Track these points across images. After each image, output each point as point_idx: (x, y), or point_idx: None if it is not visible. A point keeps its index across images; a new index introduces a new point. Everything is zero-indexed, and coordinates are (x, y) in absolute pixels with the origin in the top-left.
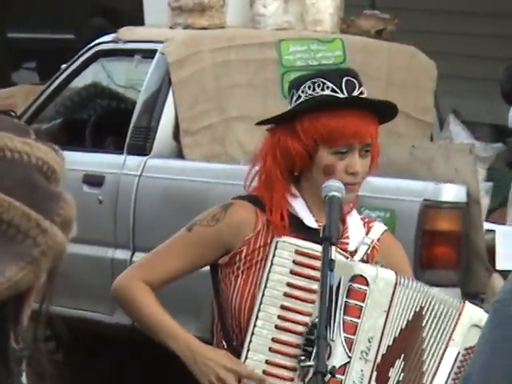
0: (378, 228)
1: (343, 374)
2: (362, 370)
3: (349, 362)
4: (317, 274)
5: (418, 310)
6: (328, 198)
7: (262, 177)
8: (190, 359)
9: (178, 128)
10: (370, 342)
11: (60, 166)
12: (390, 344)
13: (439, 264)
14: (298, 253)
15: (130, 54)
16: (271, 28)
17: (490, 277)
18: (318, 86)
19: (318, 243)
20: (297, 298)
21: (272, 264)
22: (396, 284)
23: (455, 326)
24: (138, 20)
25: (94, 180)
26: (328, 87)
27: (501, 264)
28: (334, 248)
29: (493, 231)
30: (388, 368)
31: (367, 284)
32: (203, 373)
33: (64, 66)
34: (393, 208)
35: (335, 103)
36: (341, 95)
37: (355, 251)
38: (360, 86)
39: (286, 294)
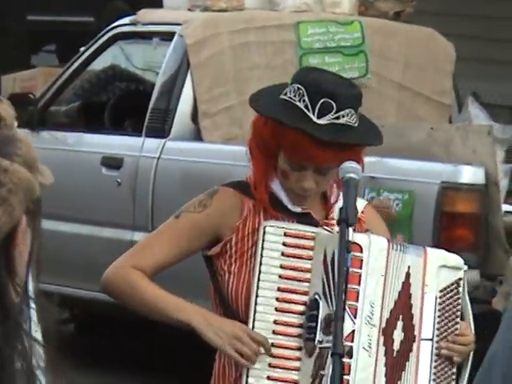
0: (360, 202)
1: (352, 341)
2: (369, 335)
3: (356, 329)
4: (308, 252)
5: (406, 270)
6: (344, 180)
7: (250, 153)
8: (205, 325)
9: (196, 110)
10: (372, 306)
11: (7, 112)
12: (392, 307)
13: (458, 246)
14: (286, 235)
15: (148, 36)
16: (289, 10)
17: (509, 258)
18: (299, 94)
19: (307, 224)
20: (292, 278)
21: (263, 248)
22: (389, 249)
23: (424, 272)
24: (157, 2)
25: (112, 162)
26: (304, 101)
27: None
28: (351, 229)
29: (511, 213)
30: (392, 330)
31: (361, 251)
32: (220, 336)
33: (83, 48)
34: (411, 190)
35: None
36: (311, 115)
37: None
38: (339, 109)
39: (280, 276)
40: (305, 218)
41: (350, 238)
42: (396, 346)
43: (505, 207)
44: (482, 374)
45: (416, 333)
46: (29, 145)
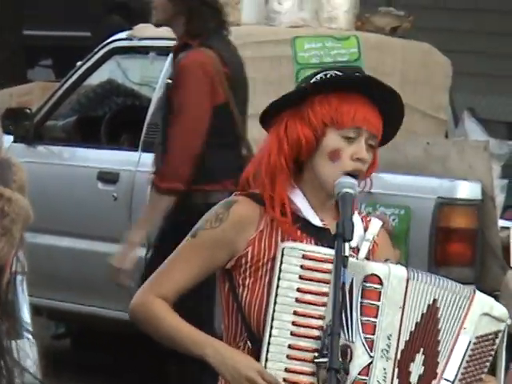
0: (376, 223)
1: (367, 375)
2: (384, 369)
3: (371, 362)
4: (326, 276)
5: (431, 302)
6: (341, 195)
7: (264, 168)
8: (220, 363)
9: None
10: (389, 339)
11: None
12: (407, 339)
13: (454, 261)
14: (305, 257)
15: (144, 51)
16: (286, 25)
17: (505, 274)
18: (331, 76)
19: (324, 241)
20: (309, 302)
21: (280, 271)
22: (408, 279)
23: (466, 314)
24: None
25: (108, 177)
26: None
27: None
28: (347, 245)
29: (508, 228)
30: (408, 363)
31: (381, 283)
32: (232, 375)
33: (79, 63)
34: (408, 205)
35: (348, 83)
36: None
37: (357, 248)
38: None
39: (297, 300)
40: (324, 235)
41: (363, 266)
42: (413, 379)
43: (501, 223)
44: None
45: (438, 371)
46: (21, 169)
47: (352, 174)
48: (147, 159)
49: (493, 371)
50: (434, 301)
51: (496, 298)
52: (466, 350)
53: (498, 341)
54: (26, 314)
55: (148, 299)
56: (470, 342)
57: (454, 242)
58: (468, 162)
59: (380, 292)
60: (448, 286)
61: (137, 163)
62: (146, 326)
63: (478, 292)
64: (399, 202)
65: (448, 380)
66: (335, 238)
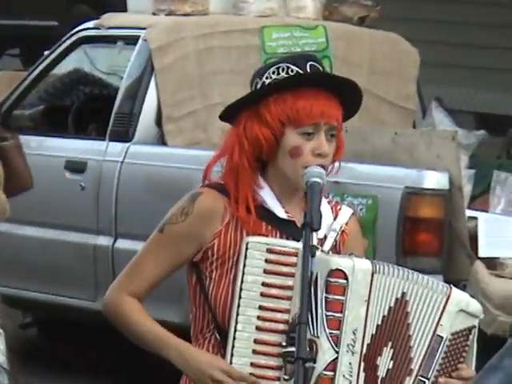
0: (346, 212)
1: (333, 371)
2: (350, 363)
3: (337, 358)
4: (291, 269)
5: (399, 296)
6: (309, 185)
7: (227, 167)
8: (184, 365)
9: (160, 114)
10: (354, 334)
11: None
12: (374, 333)
13: (421, 251)
14: (269, 251)
15: (112, 40)
16: (254, 15)
17: (473, 264)
18: (283, 70)
19: (290, 234)
20: (274, 296)
21: (245, 266)
22: (373, 273)
23: (443, 311)
24: (121, 6)
25: (76, 166)
26: (292, 71)
27: (483, 251)
28: (315, 234)
29: (475, 218)
30: (375, 356)
31: (345, 277)
32: (197, 376)
33: (47, 52)
34: (375, 195)
35: (300, 81)
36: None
37: (324, 238)
38: (324, 71)
39: (262, 294)
40: (289, 227)
41: (328, 260)
42: (381, 372)
43: (468, 213)
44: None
45: (413, 367)
46: None
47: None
48: (115, 148)
49: None
50: (403, 294)
51: (463, 288)
52: (442, 346)
53: (471, 336)
54: None
55: (118, 298)
56: (446, 338)
57: (421, 232)
58: (436, 152)
59: (345, 287)
60: (419, 280)
61: (104, 152)
62: (116, 325)
63: (454, 288)
64: (367, 192)
65: (424, 377)
66: (303, 227)
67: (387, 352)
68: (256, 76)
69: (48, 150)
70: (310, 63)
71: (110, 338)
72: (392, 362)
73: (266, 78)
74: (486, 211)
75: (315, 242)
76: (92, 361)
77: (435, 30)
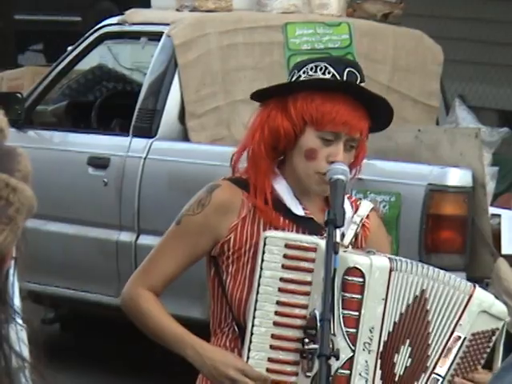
0: (366, 205)
1: (349, 369)
2: (366, 361)
3: (353, 356)
4: (309, 265)
5: (418, 293)
6: (332, 181)
7: (249, 153)
8: (200, 363)
9: (183, 110)
10: (371, 332)
11: (4, 122)
12: (391, 330)
13: (444, 248)
14: (287, 246)
15: (136, 36)
16: (278, 11)
17: (495, 261)
18: (321, 69)
19: (307, 230)
20: (292, 291)
21: (263, 261)
22: (391, 270)
23: (463, 310)
24: (145, 2)
25: (99, 162)
26: (330, 72)
27: (506, 248)
28: (338, 231)
29: (498, 216)
30: (392, 354)
31: (362, 276)
32: (213, 375)
33: (70, 48)
34: (398, 192)
35: (332, 86)
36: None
37: (343, 234)
38: (362, 80)
39: (280, 290)
40: (307, 223)
41: (345, 258)
42: (398, 370)
43: (491, 210)
44: None
45: (429, 365)
46: (26, 158)
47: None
48: (138, 144)
49: (489, 368)
50: (423, 291)
51: (486, 285)
52: (461, 346)
53: (494, 338)
54: (16, 299)
55: (136, 292)
56: (465, 338)
57: (444, 229)
58: (459, 150)
59: (362, 286)
60: (440, 277)
61: (127, 148)
62: (134, 320)
63: (478, 288)
64: (390, 189)
65: (439, 375)
66: (326, 224)
67: (405, 349)
68: (295, 68)
69: (71, 145)
70: (348, 69)
71: (132, 334)
72: (410, 360)
73: (304, 72)
74: (509, 209)
75: (338, 239)
76: (114, 355)
77: (459, 27)
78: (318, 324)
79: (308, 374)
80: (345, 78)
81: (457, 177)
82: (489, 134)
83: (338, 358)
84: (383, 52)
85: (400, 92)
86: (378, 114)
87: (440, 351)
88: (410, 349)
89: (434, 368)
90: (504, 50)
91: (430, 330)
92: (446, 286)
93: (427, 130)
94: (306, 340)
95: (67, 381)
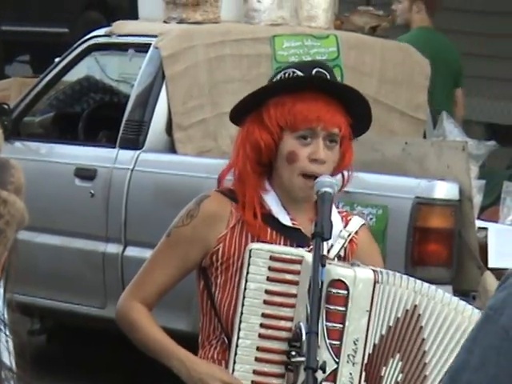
0: (356, 221)
1: (333, 381)
2: (350, 374)
3: (337, 368)
4: (294, 277)
5: (410, 307)
6: (320, 194)
7: (235, 171)
8: (186, 375)
9: (170, 122)
10: (355, 344)
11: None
12: (377, 342)
13: (431, 261)
14: (272, 259)
15: (123, 47)
16: (265, 23)
17: (482, 275)
18: (289, 75)
19: (295, 241)
20: (277, 304)
21: (248, 273)
22: (375, 282)
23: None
24: (132, 14)
25: (86, 173)
26: (298, 76)
27: (493, 262)
28: (325, 244)
29: (485, 229)
30: (378, 366)
31: (346, 288)
32: None
33: (57, 59)
34: (385, 204)
35: (300, 85)
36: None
37: (331, 246)
38: (332, 78)
39: (265, 302)
40: (294, 234)
41: (328, 271)
42: (386, 383)
43: (478, 223)
44: None
45: None
46: (20, 170)
47: (311, 177)
48: (125, 156)
49: None
50: (415, 307)
51: (473, 298)
52: None
53: None
54: (4, 310)
55: (127, 305)
56: None
57: (431, 242)
58: (446, 162)
59: (346, 298)
60: (436, 296)
61: (114, 160)
62: (125, 332)
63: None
64: (377, 202)
65: None
66: (313, 236)
67: (394, 363)
68: (268, 81)
69: (58, 156)
70: (316, 69)
71: (118, 344)
72: (402, 375)
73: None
74: (496, 222)
75: (326, 252)
76: (100, 367)
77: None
78: (304, 337)
79: None
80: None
81: (444, 190)
82: (476, 147)
83: (324, 371)
84: (371, 64)
85: (387, 104)
86: (357, 109)
87: (442, 374)
88: (400, 363)
89: None
90: (491, 63)
91: (427, 348)
92: (444, 307)
93: (414, 143)
94: (293, 353)
95: None
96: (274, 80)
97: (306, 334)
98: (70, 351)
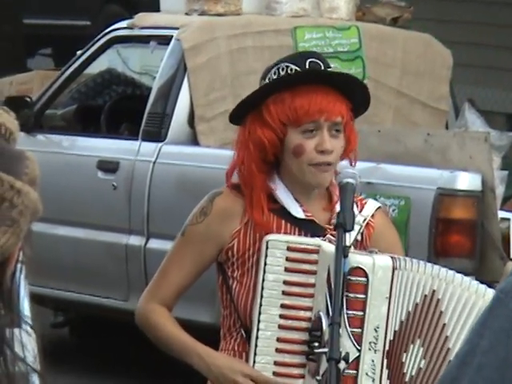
0: (371, 205)
1: (356, 369)
2: (372, 361)
3: (359, 356)
4: (312, 267)
5: (428, 293)
6: (342, 185)
7: (239, 173)
8: (206, 370)
9: (193, 114)
10: (376, 331)
11: (15, 126)
12: (397, 329)
13: (454, 252)
14: (289, 249)
15: (145, 40)
16: (287, 15)
17: (505, 265)
18: (282, 69)
19: (309, 232)
20: (295, 294)
21: (266, 264)
22: (394, 269)
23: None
24: (154, 6)
25: (108, 166)
26: (292, 69)
27: None
28: (347, 235)
29: (508, 219)
30: (399, 353)
31: (366, 275)
32: (220, 382)
33: (79, 52)
34: (408, 196)
35: (295, 78)
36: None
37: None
38: (326, 67)
39: (284, 293)
40: (308, 226)
41: (350, 253)
42: (409, 370)
43: (501, 214)
44: None
45: None
46: (35, 162)
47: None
48: (147, 148)
49: None
50: (433, 292)
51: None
52: None
53: None
54: (25, 303)
55: (147, 307)
56: None
57: (453, 233)
58: (468, 153)
59: (365, 285)
60: (455, 280)
61: (137, 152)
62: (147, 333)
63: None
64: (399, 193)
65: None
66: (336, 228)
67: (415, 349)
68: (260, 79)
69: (80, 149)
70: (309, 60)
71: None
72: (424, 362)
73: (268, 78)
74: None
75: (348, 242)
76: (123, 360)
77: (468, 31)
78: (324, 326)
79: (317, 377)
80: (307, 69)
81: (466, 181)
82: (498, 138)
83: (347, 362)
84: (392, 56)
85: (409, 96)
86: (355, 92)
87: None
88: (421, 349)
89: None
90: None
91: (449, 333)
92: (464, 291)
93: (437, 134)
94: (316, 343)
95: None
96: (268, 75)
97: (329, 325)
98: (91, 344)
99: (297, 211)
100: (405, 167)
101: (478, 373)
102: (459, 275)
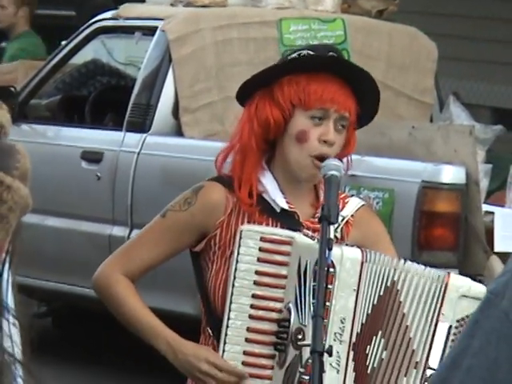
0: (353, 203)
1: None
2: (337, 352)
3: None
4: (284, 258)
5: (389, 284)
6: (327, 178)
7: (237, 148)
8: (172, 356)
9: (177, 105)
10: (342, 322)
11: (6, 119)
12: (364, 322)
13: (437, 245)
14: (263, 240)
15: (130, 31)
16: (272, 7)
17: (488, 258)
18: (304, 56)
19: (289, 224)
20: (267, 285)
21: (238, 254)
22: (363, 262)
23: (442, 299)
24: None
25: (92, 156)
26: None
27: (499, 246)
28: (332, 227)
29: (491, 213)
30: (365, 345)
31: (333, 266)
32: (186, 369)
33: (64, 42)
34: (392, 188)
35: (316, 65)
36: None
37: None
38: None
39: (255, 283)
40: (289, 218)
41: (316, 249)
42: (371, 362)
43: (485, 207)
44: None
45: (419, 359)
46: (26, 156)
47: (319, 158)
48: (131, 139)
49: None
50: (393, 283)
51: (480, 283)
52: (448, 335)
53: None
54: (9, 293)
55: (112, 275)
56: (450, 326)
57: (437, 226)
58: (453, 147)
59: (333, 275)
60: (412, 269)
61: (121, 143)
62: (106, 302)
63: (452, 274)
64: (383, 186)
65: (433, 369)
66: (320, 220)
67: (377, 341)
68: (280, 60)
69: (65, 139)
70: (330, 53)
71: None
72: (386, 353)
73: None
74: (503, 206)
75: (332, 235)
76: (106, 350)
77: (453, 24)
78: (292, 318)
79: (300, 369)
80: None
81: (450, 174)
82: (483, 132)
83: (331, 355)
84: (378, 48)
85: (394, 88)
86: (366, 96)
87: (428, 345)
88: (383, 340)
89: (427, 362)
90: (498, 47)
91: (409, 322)
92: (420, 278)
93: (421, 127)
94: (284, 335)
95: (58, 374)
96: (290, 56)
97: (312, 317)
98: (74, 334)
99: (281, 201)
100: (389, 160)
101: (468, 374)
102: (416, 265)
